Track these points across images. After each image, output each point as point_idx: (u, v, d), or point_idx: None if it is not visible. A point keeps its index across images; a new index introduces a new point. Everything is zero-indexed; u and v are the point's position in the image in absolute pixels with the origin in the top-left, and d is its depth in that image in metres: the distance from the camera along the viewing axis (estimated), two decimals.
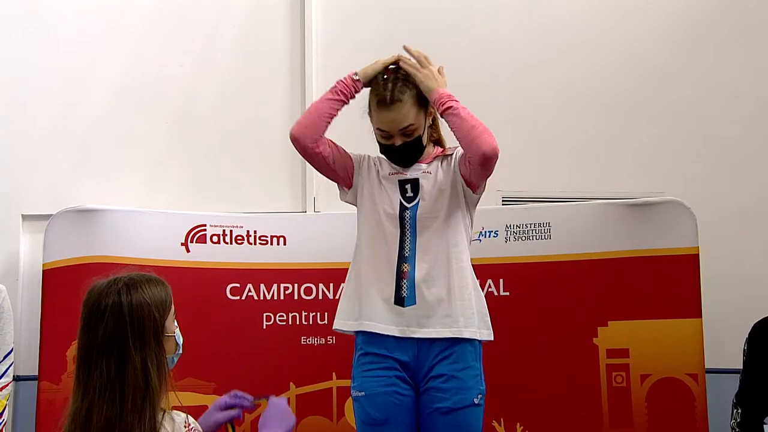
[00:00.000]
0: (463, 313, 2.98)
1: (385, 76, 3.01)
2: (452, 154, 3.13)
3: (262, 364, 4.00)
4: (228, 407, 2.50)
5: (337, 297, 3.38)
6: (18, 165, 4.46)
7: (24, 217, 4.42)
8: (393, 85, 2.96)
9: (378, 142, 3.05)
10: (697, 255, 3.89)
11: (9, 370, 3.54)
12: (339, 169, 3.07)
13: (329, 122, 3.02)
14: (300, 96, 4.59)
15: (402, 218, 3.04)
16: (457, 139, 2.94)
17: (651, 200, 3.99)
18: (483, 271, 3.80)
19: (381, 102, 2.94)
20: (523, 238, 4.03)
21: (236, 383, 3.71)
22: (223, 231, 4.10)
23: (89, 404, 2.00)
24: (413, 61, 3.03)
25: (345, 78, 3.05)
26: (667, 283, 3.90)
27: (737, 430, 3.45)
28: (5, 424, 3.63)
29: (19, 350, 3.77)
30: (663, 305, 3.88)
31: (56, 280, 3.96)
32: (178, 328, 2.25)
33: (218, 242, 4.08)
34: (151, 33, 4.63)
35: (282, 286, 4.07)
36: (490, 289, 3.97)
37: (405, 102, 2.94)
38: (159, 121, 4.59)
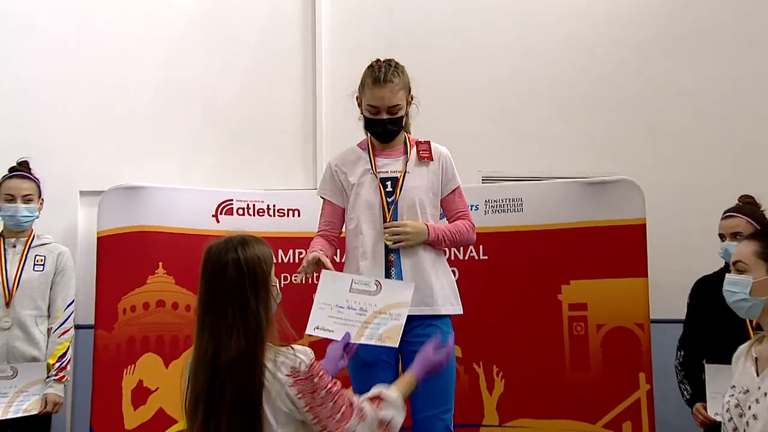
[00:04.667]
0: (442, 293, 3.09)
1: (379, 64, 3.08)
2: (432, 157, 3.17)
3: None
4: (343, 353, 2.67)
5: (342, 260, 3.40)
6: (76, 150, 4.52)
7: (81, 193, 4.49)
8: (386, 69, 3.04)
9: (365, 117, 3.10)
10: (644, 225, 3.97)
11: (71, 317, 3.74)
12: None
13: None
14: (311, 91, 4.67)
15: (389, 213, 3.11)
16: None
17: (606, 179, 4.07)
18: None
19: (376, 80, 3.02)
20: (500, 211, 4.10)
21: None
22: (247, 205, 4.18)
23: (215, 345, 2.14)
24: (396, 231, 3.02)
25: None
26: (619, 248, 3.96)
27: (680, 368, 3.63)
28: (69, 361, 3.70)
29: (77, 304, 3.85)
30: (616, 267, 3.95)
31: (108, 246, 4.05)
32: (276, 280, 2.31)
33: (243, 214, 4.16)
34: (184, 38, 4.69)
35: (297, 251, 4.11)
36: (471, 254, 4.07)
37: (396, 84, 3.03)
38: (192, 113, 4.65)
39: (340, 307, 2.95)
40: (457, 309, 3.11)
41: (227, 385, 2.10)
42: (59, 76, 4.59)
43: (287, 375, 2.14)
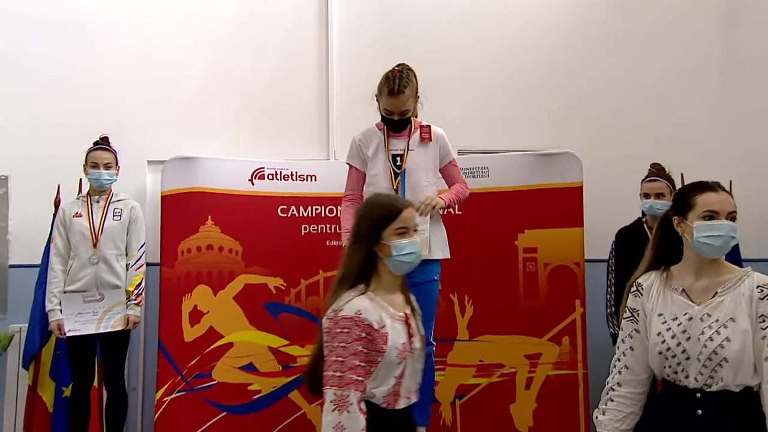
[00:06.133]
0: (436, 244, 3.27)
1: (394, 74, 3.16)
2: (431, 138, 3.28)
3: (301, 258, 4.15)
4: None
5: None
6: (145, 129, 4.62)
7: (149, 162, 4.61)
8: (399, 81, 3.15)
9: (381, 114, 3.27)
10: (581, 187, 4.10)
11: (143, 256, 3.98)
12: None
13: None
14: (325, 83, 4.72)
15: (396, 182, 3.24)
16: None
17: (553, 152, 4.19)
18: None
19: (390, 92, 3.16)
20: (471, 177, 4.12)
21: (285, 270, 4.08)
22: (275, 172, 4.25)
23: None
24: (423, 207, 3.14)
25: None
26: (562, 205, 4.08)
27: (611, 303, 3.86)
28: (142, 292, 3.94)
29: (147, 246, 4.04)
30: (559, 219, 4.07)
31: (169, 203, 4.17)
32: (404, 241, 2.08)
33: (272, 179, 4.24)
34: (226, 42, 4.76)
35: (313, 207, 4.20)
36: (449, 210, 3.87)
37: (406, 94, 3.17)
38: (232, 100, 4.74)
39: None
40: (445, 254, 3.32)
41: None
42: (131, 73, 4.69)
43: (330, 309, 2.02)
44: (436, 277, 3.29)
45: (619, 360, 2.28)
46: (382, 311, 2.03)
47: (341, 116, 4.67)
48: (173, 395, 3.99)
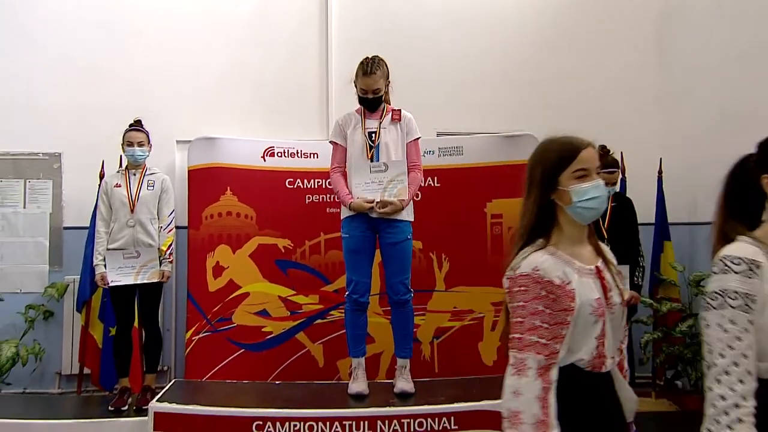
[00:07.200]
0: (405, 208, 3.40)
1: (367, 60, 3.36)
2: (401, 119, 3.40)
3: (306, 223, 4.30)
4: None
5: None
6: (174, 113, 4.71)
7: (177, 141, 4.73)
8: (372, 64, 3.34)
9: (358, 95, 3.41)
10: None
11: (173, 221, 4.10)
12: None
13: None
14: (325, 74, 4.82)
15: (370, 154, 3.38)
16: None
17: (517, 134, 4.29)
18: (427, 173, 4.07)
19: (364, 73, 3.34)
20: (448, 154, 4.32)
21: (292, 232, 4.27)
22: (284, 150, 4.38)
23: None
24: (388, 209, 3.30)
25: (345, 201, 3.37)
26: (524, 178, 4.06)
27: None
28: (173, 252, 4.05)
29: (177, 213, 4.10)
30: (521, 190, 4.07)
31: (195, 176, 4.33)
32: (586, 185, 1.60)
33: (281, 156, 4.37)
34: (240, 38, 4.84)
35: (316, 180, 4.32)
36: (429, 183, 4.24)
37: (378, 75, 3.35)
38: (246, 89, 4.83)
39: (367, 183, 3.36)
40: (412, 217, 3.50)
41: None
42: (162, 66, 4.81)
43: (508, 268, 1.63)
44: (409, 236, 3.44)
45: (736, 365, 1.52)
46: (565, 266, 1.60)
47: (339, 103, 4.74)
48: (200, 335, 4.20)
